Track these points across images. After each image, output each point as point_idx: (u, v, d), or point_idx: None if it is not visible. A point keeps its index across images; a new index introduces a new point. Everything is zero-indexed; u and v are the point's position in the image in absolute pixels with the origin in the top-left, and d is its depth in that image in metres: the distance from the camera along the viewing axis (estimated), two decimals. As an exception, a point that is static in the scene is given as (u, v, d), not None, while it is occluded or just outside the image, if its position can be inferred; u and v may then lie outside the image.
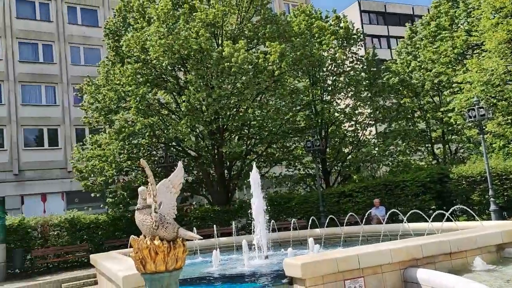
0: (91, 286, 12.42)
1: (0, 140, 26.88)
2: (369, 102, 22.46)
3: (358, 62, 23.42)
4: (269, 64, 17.00)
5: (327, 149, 23.00)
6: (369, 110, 23.14)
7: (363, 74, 22.91)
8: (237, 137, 19.88)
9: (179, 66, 18.47)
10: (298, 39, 18.46)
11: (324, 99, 22.77)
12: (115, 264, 9.62)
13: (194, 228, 14.42)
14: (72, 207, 21.97)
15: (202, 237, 5.99)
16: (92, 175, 18.69)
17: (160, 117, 18.25)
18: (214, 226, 14.13)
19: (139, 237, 5.29)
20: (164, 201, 5.49)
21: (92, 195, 19.64)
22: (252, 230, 11.69)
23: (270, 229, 11.92)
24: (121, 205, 18.78)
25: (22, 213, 20.38)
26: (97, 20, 31.02)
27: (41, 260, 15.23)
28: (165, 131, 17.37)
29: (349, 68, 22.98)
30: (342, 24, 23.44)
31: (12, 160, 26.70)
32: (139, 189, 5.61)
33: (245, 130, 19.85)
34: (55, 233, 15.96)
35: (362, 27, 43.12)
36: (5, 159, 26.62)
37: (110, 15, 26.71)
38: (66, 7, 30.04)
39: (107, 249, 15.62)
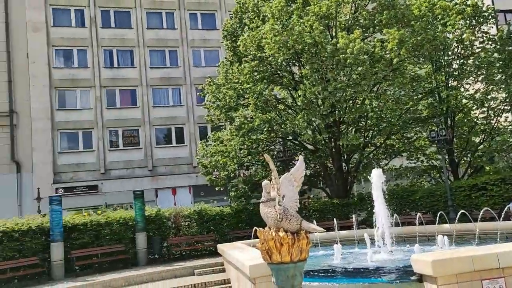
0: (219, 273, 13.23)
1: (137, 140, 30.02)
2: (503, 86, 20.13)
3: (490, 42, 21.09)
4: (387, 52, 16.28)
5: (454, 139, 21.23)
6: (504, 95, 20.74)
7: (496, 54, 20.56)
8: (354, 129, 19.45)
9: (294, 61, 18.66)
10: (418, 23, 17.30)
11: (449, 85, 21.01)
12: (241, 254, 10.14)
13: (314, 220, 14.50)
14: (198, 200, 23.66)
15: (325, 230, 6.01)
16: (215, 170, 19.93)
17: (277, 112, 18.69)
18: (334, 219, 14.02)
19: (264, 229, 5.50)
20: (287, 194, 5.61)
21: (216, 188, 20.89)
22: (374, 224, 11.35)
23: (393, 223, 11.44)
24: (243, 198, 19.70)
25: (157, 205, 22.45)
26: (215, 23, 32.83)
27: (175, 248, 16.66)
28: (282, 126, 17.72)
29: (479, 50, 20.82)
30: (469, 2, 21.31)
31: (147, 157, 29.66)
32: (263, 183, 5.82)
33: (362, 122, 19.32)
34: (186, 224, 17.28)
35: (493, 3, 38.75)
36: (141, 156, 29.69)
37: (227, 17, 28.04)
38: (188, 14, 32.36)
39: (231, 239, 16.51)
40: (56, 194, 17.61)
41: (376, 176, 11.32)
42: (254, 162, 19.98)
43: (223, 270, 13.26)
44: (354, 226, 13.99)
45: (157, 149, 30.14)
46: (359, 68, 16.03)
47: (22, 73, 28.00)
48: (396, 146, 20.85)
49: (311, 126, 18.06)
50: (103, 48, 30.15)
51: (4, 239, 13.72)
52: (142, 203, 16.33)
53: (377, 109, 17.96)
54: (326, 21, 17.64)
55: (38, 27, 28.71)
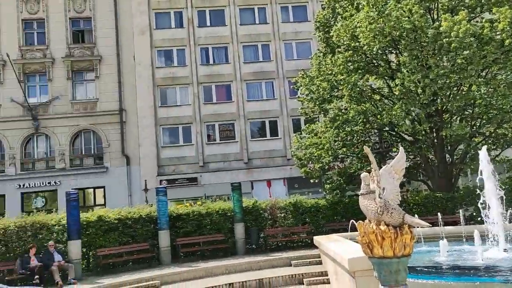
0: (316, 265, 13.25)
1: (232, 133, 31.08)
2: None
3: None
4: (497, 33, 14.87)
5: None
6: None
7: None
8: (459, 119, 18.12)
9: (391, 48, 17.89)
10: (534, -2, 15.58)
11: None
12: (338, 247, 10.06)
13: (416, 215, 13.82)
14: (292, 192, 23.82)
15: (430, 224, 5.75)
16: (310, 162, 19.92)
17: (373, 103, 18.10)
18: (439, 214, 13.23)
19: (363, 221, 5.41)
20: (387, 187, 5.48)
21: (311, 181, 20.87)
22: (484, 219, 10.50)
23: (508, 219, 10.48)
24: (338, 191, 19.48)
25: (253, 197, 23.08)
26: (306, 15, 32.64)
27: (272, 239, 17.01)
28: (378, 117, 17.13)
29: None
30: None
31: (242, 150, 30.58)
32: (362, 175, 5.74)
33: (469, 110, 17.90)
34: (282, 215, 17.55)
35: None
36: (237, 149, 30.69)
37: (319, 8, 27.72)
38: (279, 8, 32.58)
39: (327, 232, 16.39)
40: (162, 186, 18.95)
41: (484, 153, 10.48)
42: (349, 154, 19.60)
43: (320, 263, 13.26)
44: (461, 221, 13.06)
45: (252, 142, 30.91)
46: (465, 52, 14.83)
47: (130, 74, 30.48)
48: (509, 135, 19.00)
49: (410, 116, 17.21)
50: (199, 46, 31.61)
51: (119, 225, 15.15)
52: (239, 195, 16.92)
53: (486, 96, 16.50)
54: (427, 4, 16.61)
55: (143, 30, 31.00)
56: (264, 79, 31.84)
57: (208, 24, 32.10)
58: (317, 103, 19.67)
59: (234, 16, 32.02)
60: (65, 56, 29.80)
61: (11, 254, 13.51)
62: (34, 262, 12.88)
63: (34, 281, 12.10)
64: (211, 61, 31.81)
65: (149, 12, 31.44)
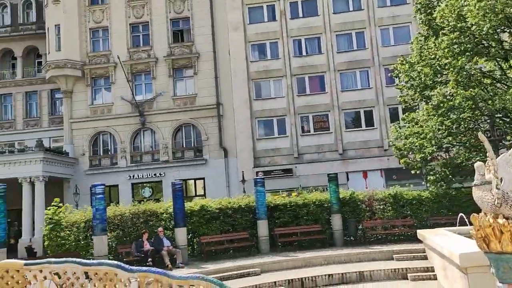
0: (420, 260, 12.66)
1: (326, 124, 30.71)
2: None
3: None
4: None
5: None
6: None
7: None
8: None
9: (503, 27, 16.26)
10: None
11: None
12: (447, 241, 9.47)
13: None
14: (390, 184, 22.90)
15: (560, 219, 5.20)
16: (410, 153, 18.97)
17: (483, 88, 16.66)
18: None
19: (477, 214, 5.07)
20: (506, 177, 5.08)
21: (412, 172, 19.87)
22: None
23: None
24: (443, 182, 18.32)
25: (348, 188, 22.62)
26: (405, -3, 30.95)
27: (371, 231, 16.61)
28: (490, 102, 15.73)
29: None
30: None
31: (337, 141, 30.09)
32: (476, 164, 5.38)
33: None
34: (380, 207, 17.04)
35: None
36: (331, 140, 30.29)
37: (418, -11, 26.06)
38: (375, -8, 31.29)
39: (431, 225, 15.57)
40: (260, 177, 19.42)
41: None
42: (455, 144, 18.30)
43: (425, 258, 12.61)
44: None
45: (346, 133, 30.28)
46: None
47: (225, 69, 31.54)
48: None
49: (527, 101, 15.53)
50: (292, 38, 31.57)
51: (220, 215, 15.89)
52: (336, 186, 16.77)
53: None
54: (546, -25, 14.81)
55: (237, 26, 31.83)
56: (359, 68, 30.91)
57: (301, 15, 31.91)
58: (418, 90, 18.62)
59: (327, 5, 31.42)
60: (167, 55, 31.76)
61: (127, 238, 14.89)
62: (147, 246, 14.07)
63: (147, 263, 13.21)
64: (304, 53, 31.64)
65: (242, 8, 32.14)
